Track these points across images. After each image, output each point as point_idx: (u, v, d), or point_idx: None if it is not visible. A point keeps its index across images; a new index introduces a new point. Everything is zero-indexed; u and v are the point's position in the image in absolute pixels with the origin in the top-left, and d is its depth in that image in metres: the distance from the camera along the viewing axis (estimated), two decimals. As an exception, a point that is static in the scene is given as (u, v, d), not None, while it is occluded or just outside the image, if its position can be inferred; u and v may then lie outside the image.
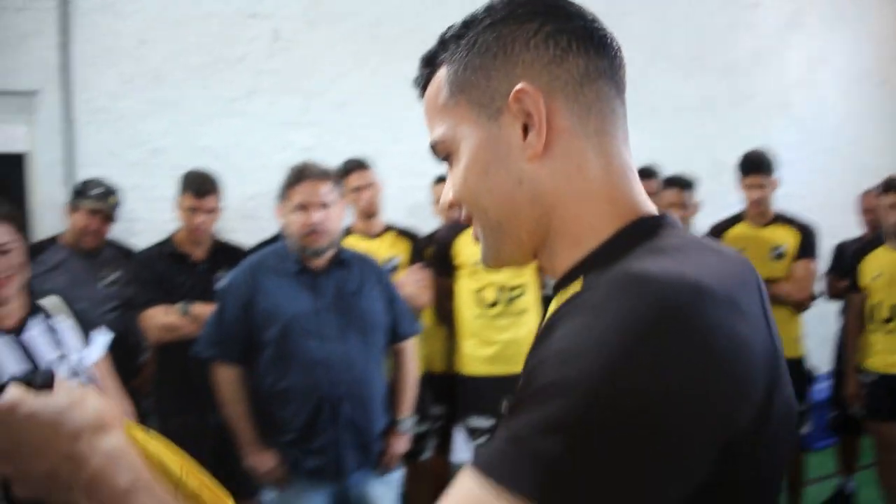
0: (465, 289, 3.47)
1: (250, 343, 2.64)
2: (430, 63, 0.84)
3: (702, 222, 4.00)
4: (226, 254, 3.47)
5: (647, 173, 4.14)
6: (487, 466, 0.61)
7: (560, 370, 0.61)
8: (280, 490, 2.62)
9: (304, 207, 2.59)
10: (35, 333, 2.10)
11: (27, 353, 2.04)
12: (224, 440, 3.31)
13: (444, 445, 3.94)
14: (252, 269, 2.69)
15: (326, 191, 2.60)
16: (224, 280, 3.34)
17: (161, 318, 3.18)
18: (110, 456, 0.72)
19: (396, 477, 2.81)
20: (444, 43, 0.82)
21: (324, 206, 2.59)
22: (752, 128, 5.39)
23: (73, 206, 3.42)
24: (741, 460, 0.64)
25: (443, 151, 0.82)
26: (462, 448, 3.86)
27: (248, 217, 4.16)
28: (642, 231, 0.74)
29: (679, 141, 5.16)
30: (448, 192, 0.84)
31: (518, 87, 0.75)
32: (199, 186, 3.32)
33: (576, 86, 0.76)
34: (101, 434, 0.73)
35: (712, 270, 0.66)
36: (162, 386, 3.36)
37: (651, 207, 0.79)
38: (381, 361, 2.73)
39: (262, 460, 2.65)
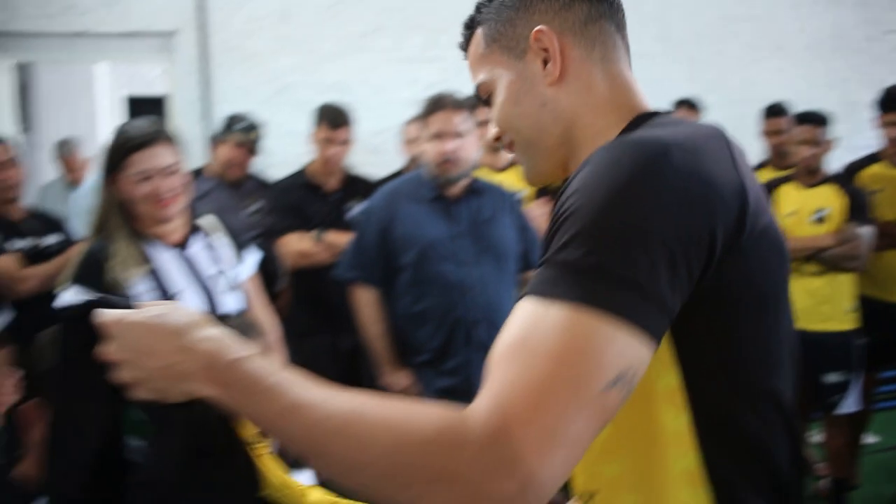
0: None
1: (388, 267, 2.75)
2: (469, 26, 1.05)
3: (834, 164, 3.88)
4: (357, 185, 3.59)
5: (776, 111, 4.04)
6: (532, 290, 0.77)
7: (569, 207, 0.79)
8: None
9: (439, 136, 2.66)
10: (197, 249, 2.24)
11: (191, 267, 2.18)
12: (354, 362, 3.48)
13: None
14: (390, 196, 2.79)
15: (461, 120, 2.66)
16: (356, 209, 3.48)
17: (296, 245, 3.34)
18: (214, 340, 0.83)
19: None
20: (479, 7, 1.04)
21: (458, 135, 2.65)
22: (888, 65, 5.14)
23: (220, 139, 3.61)
24: (726, 269, 0.80)
25: (485, 93, 1.03)
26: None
27: (374, 152, 4.26)
28: (636, 123, 0.93)
29: (809, 80, 4.99)
30: (492, 128, 1.05)
31: (536, 28, 0.96)
32: (334, 118, 3.44)
33: (581, 25, 0.97)
34: (201, 327, 0.84)
35: (683, 132, 0.85)
36: (296, 309, 3.53)
37: (648, 108, 0.98)
38: (512, 288, 2.80)
39: (397, 379, 2.77)
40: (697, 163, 0.80)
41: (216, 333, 0.84)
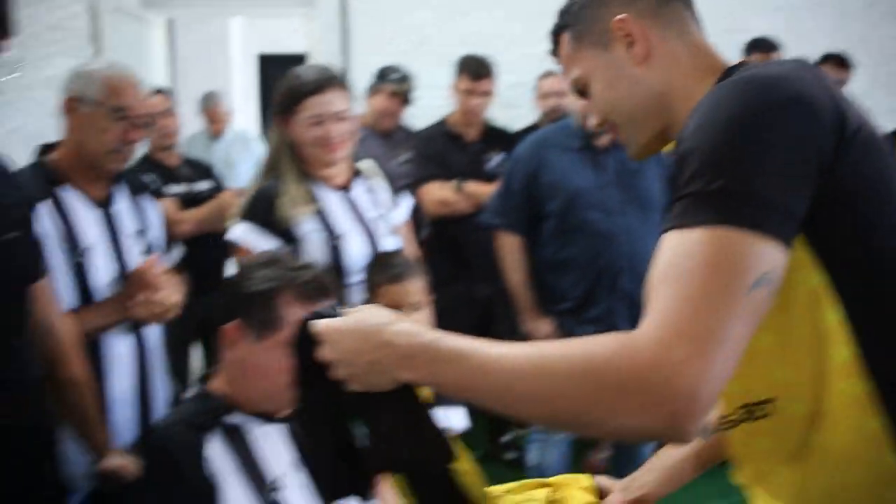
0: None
1: (533, 214, 2.79)
2: (556, 32, 1.17)
3: None
4: (497, 136, 3.63)
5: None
6: (670, 225, 0.88)
7: (687, 148, 0.89)
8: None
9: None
10: (359, 192, 2.31)
11: (354, 209, 2.27)
12: (489, 311, 3.55)
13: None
14: (538, 144, 2.82)
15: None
16: (496, 160, 3.52)
17: (437, 193, 3.41)
18: (406, 331, 0.95)
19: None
20: (562, 14, 1.16)
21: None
22: None
23: (374, 89, 3.71)
24: (839, 169, 0.89)
25: (581, 87, 1.14)
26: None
27: (508, 106, 4.27)
28: (727, 75, 1.02)
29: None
30: (592, 118, 1.17)
31: (616, 18, 1.06)
32: (476, 70, 3.47)
33: (655, 9, 1.08)
34: (397, 321, 0.97)
35: (775, 67, 0.98)
36: (435, 258, 3.61)
37: (729, 62, 1.08)
38: (656, 238, 2.78)
39: (539, 326, 2.82)
40: (795, 83, 0.91)
41: (407, 326, 0.97)
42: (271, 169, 2.23)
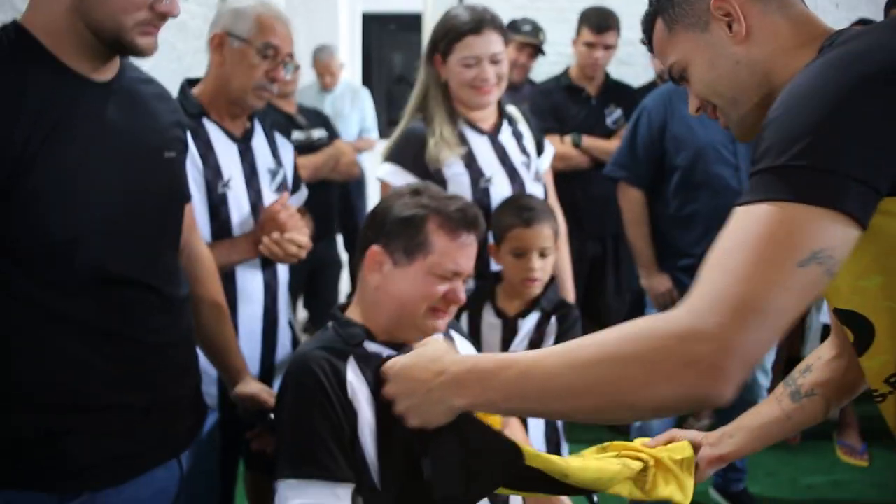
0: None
1: (659, 168, 2.72)
2: (649, 20, 1.14)
3: None
4: (617, 91, 3.56)
5: None
6: (743, 198, 0.87)
7: (765, 122, 0.91)
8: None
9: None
10: (507, 137, 2.29)
11: (502, 153, 2.25)
12: (599, 269, 3.51)
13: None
14: (666, 97, 2.75)
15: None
16: (615, 115, 3.45)
17: (555, 148, 3.36)
18: (463, 357, 1.03)
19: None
20: (654, 1, 1.13)
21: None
22: None
23: (505, 40, 3.67)
24: None
25: (678, 72, 1.11)
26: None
27: (624, 63, 4.18)
28: (826, 47, 0.99)
29: None
30: (693, 100, 1.12)
31: None
32: (599, 22, 3.40)
33: None
34: (448, 353, 1.03)
35: (880, 35, 0.95)
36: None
37: (831, 29, 1.05)
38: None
39: (657, 282, 2.77)
40: (889, 52, 0.89)
41: (461, 355, 1.04)
42: (420, 109, 2.22)
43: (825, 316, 3.32)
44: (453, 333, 1.71)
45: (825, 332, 3.73)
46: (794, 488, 3.12)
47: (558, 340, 2.04)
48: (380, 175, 2.18)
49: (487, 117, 2.23)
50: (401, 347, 1.54)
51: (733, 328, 0.80)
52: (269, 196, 2.06)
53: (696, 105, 1.13)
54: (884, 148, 0.84)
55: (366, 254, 1.55)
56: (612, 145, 3.27)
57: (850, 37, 0.97)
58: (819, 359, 1.33)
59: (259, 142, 2.09)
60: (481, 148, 2.19)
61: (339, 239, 4.39)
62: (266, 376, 2.03)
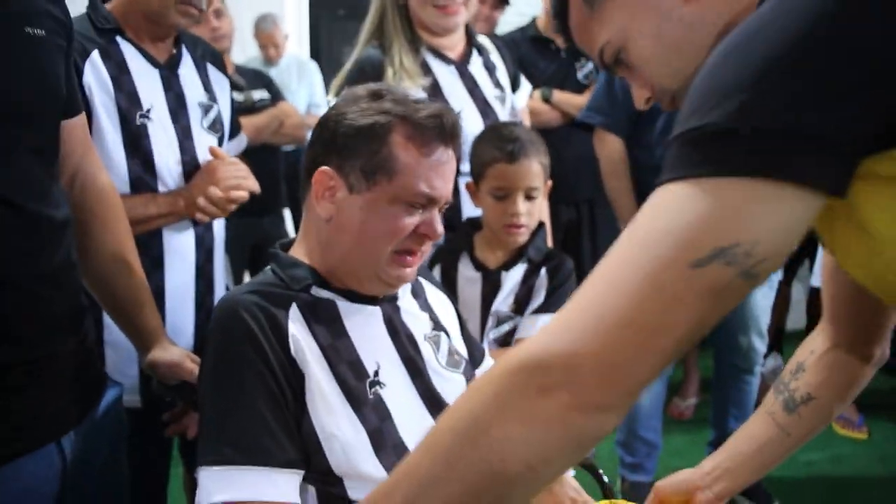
0: None
1: (638, 112, 2.44)
2: (561, 4, 0.88)
3: None
4: (588, 43, 3.28)
5: None
6: (668, 174, 0.65)
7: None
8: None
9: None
10: (477, 67, 2.03)
11: (472, 85, 1.97)
12: (573, 233, 3.23)
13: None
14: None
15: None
16: (587, 69, 3.17)
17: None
18: None
19: (775, 277, 2.66)
20: None
21: None
22: None
23: None
24: None
25: (612, 56, 0.86)
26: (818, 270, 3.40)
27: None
28: None
29: None
30: (640, 90, 0.87)
31: None
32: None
33: None
34: None
35: None
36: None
37: None
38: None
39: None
40: None
41: None
42: (375, 36, 1.92)
43: (816, 279, 3.08)
44: (424, 282, 1.39)
45: (812, 300, 3.53)
46: (792, 466, 2.88)
47: (550, 295, 1.74)
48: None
49: (455, 45, 1.95)
50: (358, 298, 1.22)
51: (581, 357, 0.63)
52: (199, 134, 1.72)
53: (646, 94, 0.88)
54: (851, 91, 0.60)
55: (312, 177, 1.21)
56: (584, 100, 2.98)
57: None
58: (811, 353, 1.10)
59: (188, 71, 1.75)
60: (447, 79, 1.91)
61: (287, 215, 4.03)
62: (200, 351, 1.68)
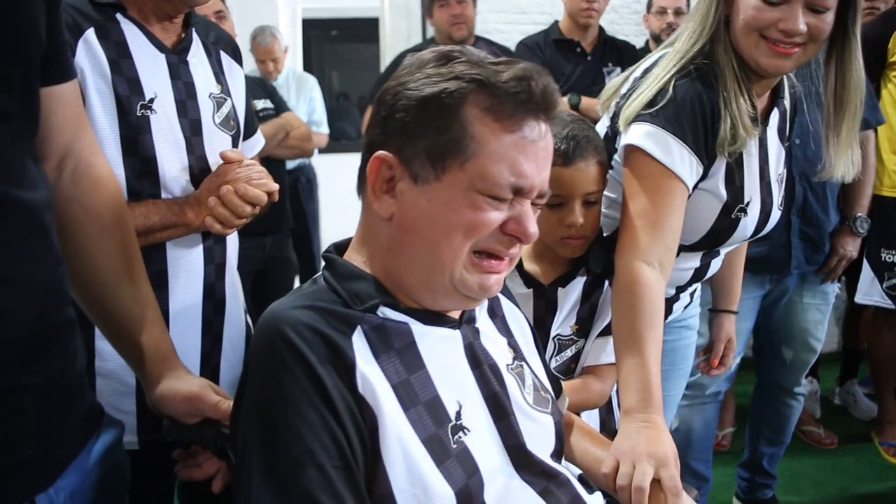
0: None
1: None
2: None
3: None
4: (616, 47, 3.09)
5: None
6: None
7: None
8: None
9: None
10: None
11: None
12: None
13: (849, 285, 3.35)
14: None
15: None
16: (614, 74, 2.98)
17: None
18: None
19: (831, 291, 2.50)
20: None
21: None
22: None
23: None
24: None
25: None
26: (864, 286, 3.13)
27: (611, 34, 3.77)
28: None
29: None
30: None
31: None
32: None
33: None
34: None
35: None
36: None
37: None
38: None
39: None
40: None
41: None
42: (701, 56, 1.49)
43: (860, 296, 2.91)
44: (501, 298, 1.15)
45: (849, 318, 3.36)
46: (846, 499, 2.64)
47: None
48: (633, 140, 1.44)
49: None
50: (433, 319, 0.98)
51: None
52: (210, 131, 1.48)
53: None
54: None
55: (367, 166, 0.97)
56: (613, 107, 2.79)
57: None
58: None
59: (199, 60, 1.51)
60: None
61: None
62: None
